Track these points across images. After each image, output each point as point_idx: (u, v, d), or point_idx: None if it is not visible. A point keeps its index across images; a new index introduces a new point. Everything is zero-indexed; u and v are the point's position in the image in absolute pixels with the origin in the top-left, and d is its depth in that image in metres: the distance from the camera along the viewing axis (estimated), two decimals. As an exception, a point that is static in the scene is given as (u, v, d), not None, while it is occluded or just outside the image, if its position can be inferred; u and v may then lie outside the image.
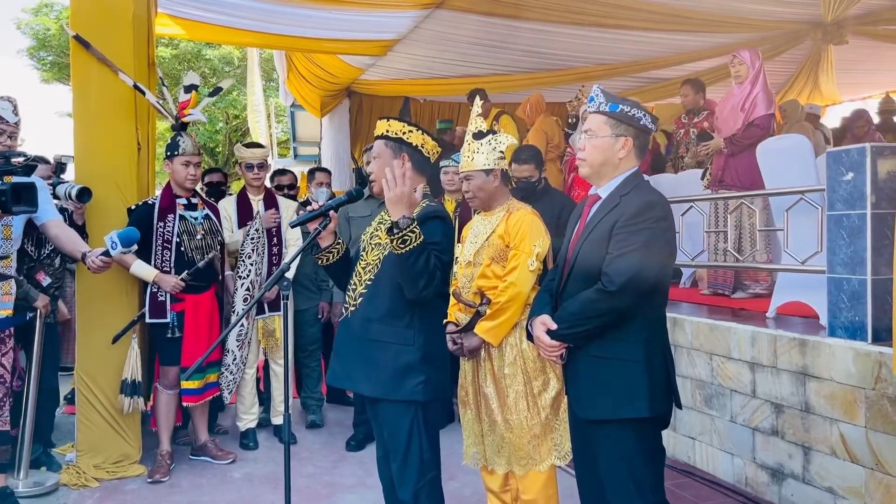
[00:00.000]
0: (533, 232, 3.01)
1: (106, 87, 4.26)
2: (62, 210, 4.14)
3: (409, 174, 2.46)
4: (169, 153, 4.29)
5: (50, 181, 4.15)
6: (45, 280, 4.01)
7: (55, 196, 4.01)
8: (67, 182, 4.13)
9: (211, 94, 4.97)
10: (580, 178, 5.83)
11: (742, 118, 4.93)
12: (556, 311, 2.44)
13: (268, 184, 5.11)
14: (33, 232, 3.96)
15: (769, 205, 4.71)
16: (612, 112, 2.40)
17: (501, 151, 3.08)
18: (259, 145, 4.95)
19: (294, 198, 5.42)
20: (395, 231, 2.42)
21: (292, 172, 5.94)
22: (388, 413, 2.65)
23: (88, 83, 4.28)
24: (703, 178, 5.39)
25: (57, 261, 4.16)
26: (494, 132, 3.13)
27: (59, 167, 4.44)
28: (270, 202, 4.83)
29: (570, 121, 6.93)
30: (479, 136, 3.09)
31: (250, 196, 4.82)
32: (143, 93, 4.28)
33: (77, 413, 4.27)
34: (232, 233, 4.69)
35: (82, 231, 4.19)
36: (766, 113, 4.88)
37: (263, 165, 4.82)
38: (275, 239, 4.75)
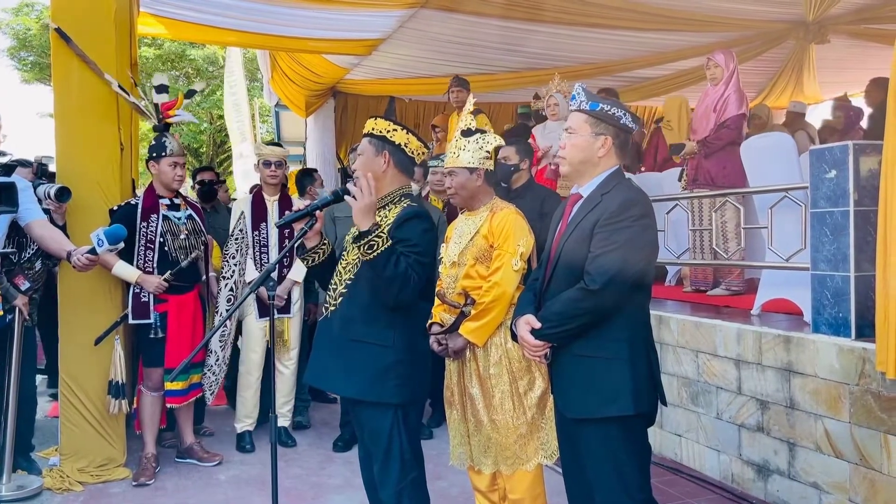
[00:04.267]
0: (517, 232, 3.00)
1: (87, 87, 4.22)
2: (44, 211, 4.09)
3: (373, 183, 2.52)
4: (155, 154, 4.25)
5: (32, 182, 4.10)
6: (24, 284, 3.95)
7: (36, 197, 3.97)
8: (47, 183, 4.08)
9: (186, 97, 4.94)
10: (542, 173, 5.89)
11: (714, 119, 5.02)
12: (539, 310, 2.44)
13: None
14: (15, 235, 3.91)
15: (747, 202, 4.76)
16: (592, 110, 2.40)
17: (488, 152, 3.06)
18: (279, 144, 4.95)
19: None
20: (362, 238, 2.45)
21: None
22: (368, 415, 2.64)
23: (69, 82, 4.23)
24: (680, 180, 5.46)
25: (38, 265, 4.12)
26: (484, 132, 3.12)
27: (41, 168, 4.38)
28: (286, 203, 4.80)
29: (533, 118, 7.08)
30: (467, 133, 3.09)
31: (265, 196, 4.78)
32: (128, 95, 4.24)
33: (60, 416, 4.22)
34: (242, 230, 4.65)
35: (63, 231, 4.15)
36: (737, 113, 4.97)
37: (281, 164, 4.79)
38: (286, 241, 4.71)
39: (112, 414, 4.19)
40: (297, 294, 4.79)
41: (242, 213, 4.69)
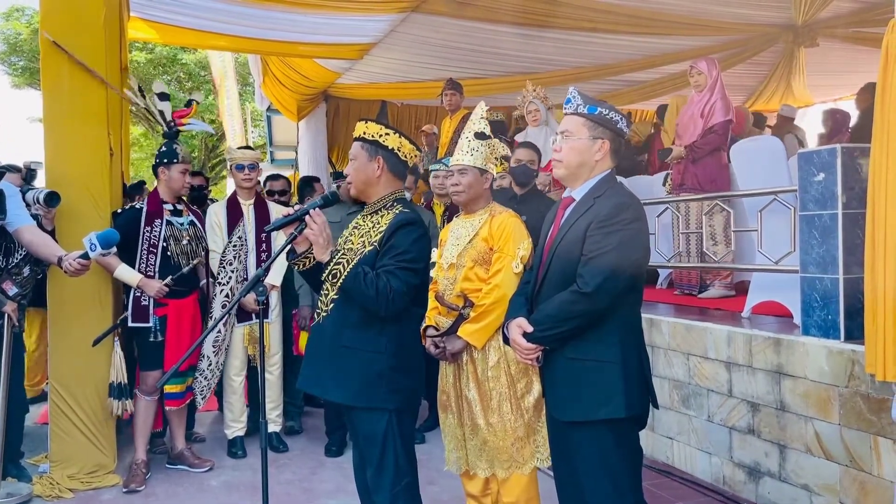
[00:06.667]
0: (517, 235, 3.02)
1: (77, 91, 4.21)
2: (33, 217, 4.07)
3: (322, 220, 2.54)
4: (167, 160, 4.25)
5: (20, 188, 4.09)
6: (12, 290, 3.92)
7: (24, 202, 3.95)
8: (36, 188, 4.06)
9: (186, 106, 4.93)
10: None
11: (701, 125, 5.10)
12: (531, 313, 2.44)
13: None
14: (1, 240, 3.89)
15: (737, 205, 4.78)
16: (590, 114, 2.41)
17: (497, 158, 3.13)
18: (250, 148, 4.92)
19: (286, 204, 5.37)
20: (324, 270, 2.54)
21: (285, 178, 5.89)
22: (362, 419, 2.64)
23: (59, 87, 4.22)
24: (664, 184, 5.49)
25: (25, 270, 4.10)
26: (493, 138, 3.17)
27: (29, 174, 4.37)
28: (261, 207, 4.77)
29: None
30: (481, 136, 3.13)
31: (240, 200, 4.74)
32: (148, 106, 4.27)
33: (50, 423, 4.20)
34: (222, 240, 4.60)
35: (51, 237, 4.13)
36: (724, 119, 5.06)
37: (255, 167, 4.75)
38: (263, 245, 4.70)
39: (114, 415, 4.18)
40: (275, 299, 4.75)
41: (243, 217, 4.67)
